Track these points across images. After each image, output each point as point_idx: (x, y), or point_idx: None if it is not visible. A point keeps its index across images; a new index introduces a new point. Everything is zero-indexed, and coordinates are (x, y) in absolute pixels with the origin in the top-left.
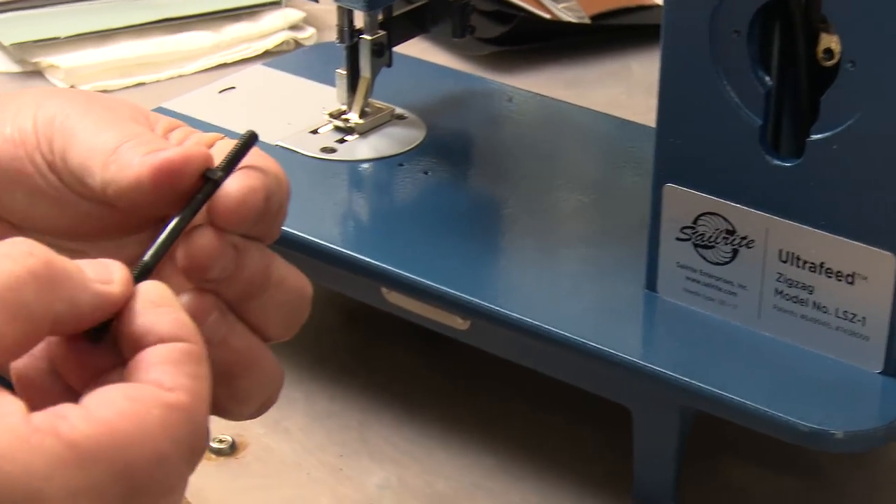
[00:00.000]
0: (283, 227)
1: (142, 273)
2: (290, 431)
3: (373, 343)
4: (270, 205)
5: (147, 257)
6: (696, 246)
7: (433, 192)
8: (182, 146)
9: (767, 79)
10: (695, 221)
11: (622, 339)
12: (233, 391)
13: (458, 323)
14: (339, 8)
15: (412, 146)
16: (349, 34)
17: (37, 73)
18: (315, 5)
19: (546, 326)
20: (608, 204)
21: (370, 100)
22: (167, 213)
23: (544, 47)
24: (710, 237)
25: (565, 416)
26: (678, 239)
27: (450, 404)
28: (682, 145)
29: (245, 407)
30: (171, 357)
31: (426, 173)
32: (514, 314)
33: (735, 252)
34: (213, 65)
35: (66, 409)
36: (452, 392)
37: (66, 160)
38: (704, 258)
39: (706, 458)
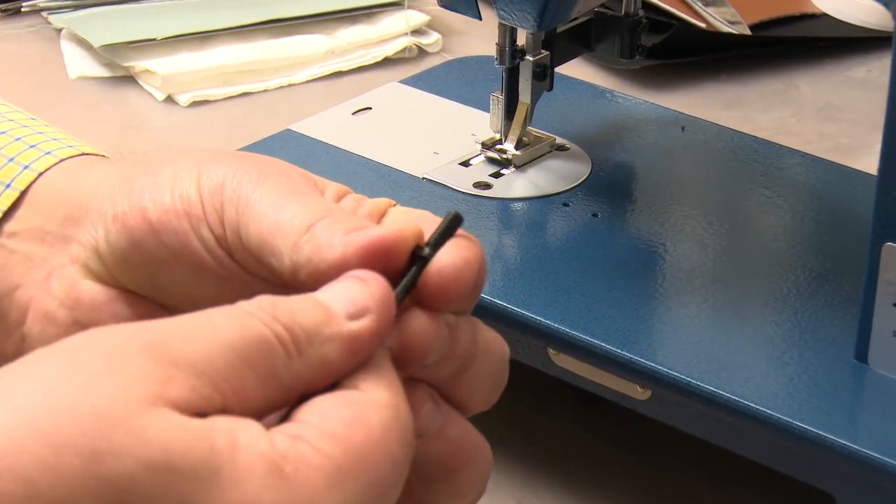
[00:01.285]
0: None
1: None
2: None
3: (528, 407)
4: (482, 276)
5: None
6: None
7: (605, 238)
8: (394, 225)
9: None
10: None
11: (828, 417)
12: (452, 487)
13: (638, 392)
14: (501, 26)
15: (577, 183)
16: (510, 54)
17: (128, 78)
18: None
19: (741, 401)
20: (810, 260)
21: (528, 128)
22: None
23: (701, 61)
24: None
25: (752, 496)
26: None
27: (617, 479)
28: None
29: (461, 503)
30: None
31: (596, 216)
32: (705, 386)
33: None
34: (328, 73)
35: (296, 428)
36: (620, 465)
37: (241, 236)
38: None
39: None
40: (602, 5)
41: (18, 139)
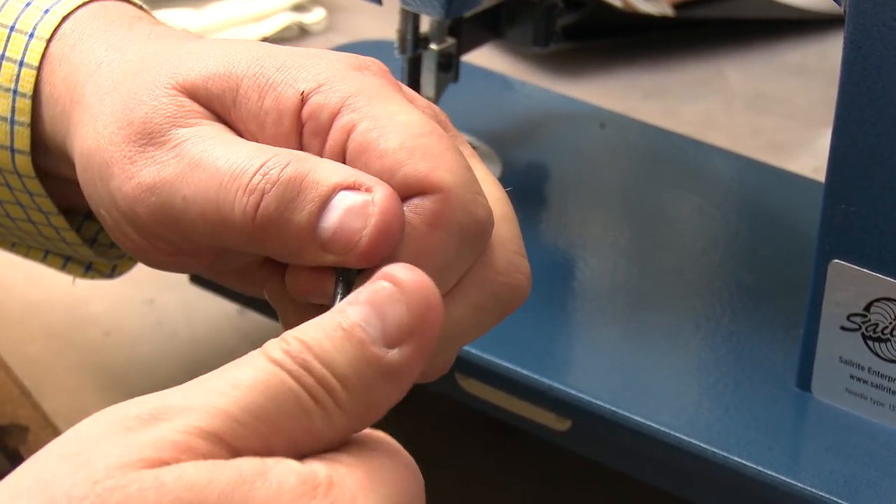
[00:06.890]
0: None
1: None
2: None
3: (436, 436)
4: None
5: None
6: (865, 338)
7: None
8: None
9: None
10: (867, 308)
11: (768, 452)
12: None
13: (555, 422)
14: (403, 12)
15: None
16: (413, 43)
17: None
18: None
19: (671, 433)
20: (746, 276)
21: None
22: None
23: (617, 45)
24: (886, 328)
25: None
26: (843, 328)
27: None
28: (857, 213)
29: None
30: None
31: None
32: (631, 416)
33: None
34: None
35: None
36: (536, 502)
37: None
38: (876, 353)
39: None
40: None
41: None
